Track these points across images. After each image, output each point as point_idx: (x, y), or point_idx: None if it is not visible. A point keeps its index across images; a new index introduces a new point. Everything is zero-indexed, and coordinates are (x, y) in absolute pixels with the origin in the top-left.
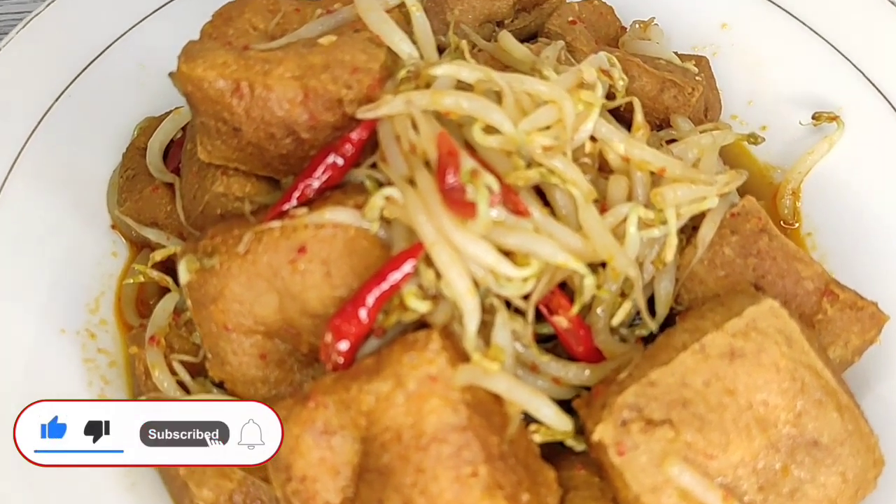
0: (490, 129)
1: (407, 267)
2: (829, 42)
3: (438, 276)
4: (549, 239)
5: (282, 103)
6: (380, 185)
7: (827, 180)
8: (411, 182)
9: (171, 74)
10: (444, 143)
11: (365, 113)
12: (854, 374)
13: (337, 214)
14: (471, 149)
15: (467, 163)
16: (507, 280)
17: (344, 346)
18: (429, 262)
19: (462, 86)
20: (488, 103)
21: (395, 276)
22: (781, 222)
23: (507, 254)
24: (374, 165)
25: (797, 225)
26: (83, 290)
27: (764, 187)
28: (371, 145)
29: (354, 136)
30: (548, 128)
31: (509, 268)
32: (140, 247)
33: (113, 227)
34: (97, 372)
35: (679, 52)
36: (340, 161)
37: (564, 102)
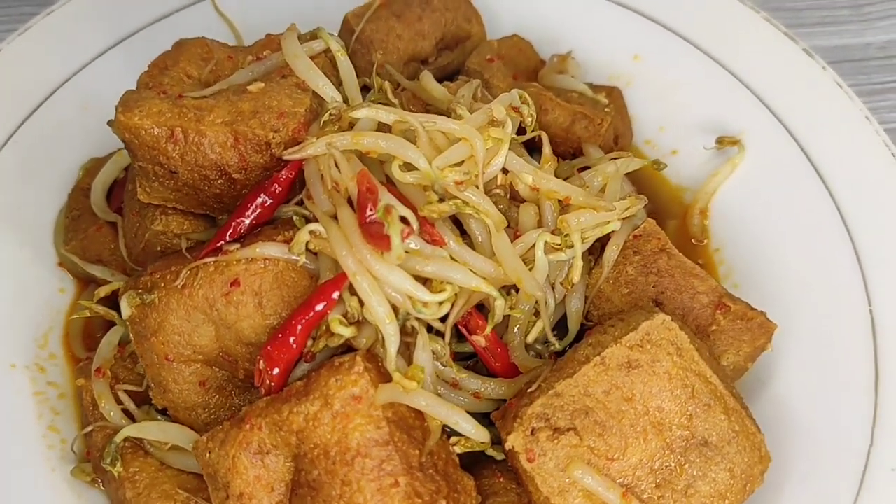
0: (408, 166)
1: (332, 296)
2: (731, 72)
3: (362, 303)
4: (463, 266)
5: (214, 147)
6: (307, 220)
7: (732, 199)
8: (335, 217)
9: (109, 122)
10: (363, 180)
11: (291, 154)
12: (748, 379)
13: (267, 249)
14: (392, 184)
15: (384, 198)
16: (423, 305)
17: (276, 371)
18: (353, 290)
19: (383, 126)
20: (404, 142)
21: (320, 306)
22: (693, 240)
23: (426, 281)
24: (301, 202)
25: (706, 241)
26: (32, 326)
27: (676, 207)
28: (299, 183)
29: (282, 175)
30: (461, 163)
31: (425, 294)
32: (86, 283)
33: (60, 264)
34: (47, 404)
35: (594, 83)
36: (269, 200)
37: (475, 140)
